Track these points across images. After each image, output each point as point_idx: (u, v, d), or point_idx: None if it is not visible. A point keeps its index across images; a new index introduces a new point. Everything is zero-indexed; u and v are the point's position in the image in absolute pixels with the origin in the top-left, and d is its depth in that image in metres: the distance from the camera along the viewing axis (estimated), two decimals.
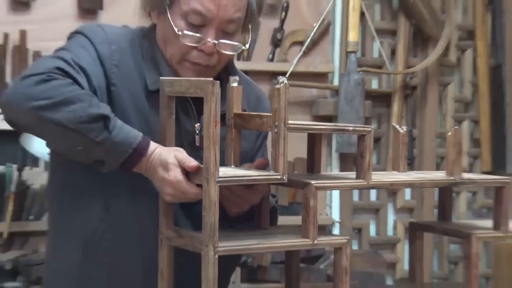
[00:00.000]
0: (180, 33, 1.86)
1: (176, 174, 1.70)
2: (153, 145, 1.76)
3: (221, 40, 1.88)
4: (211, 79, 1.64)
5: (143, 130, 1.80)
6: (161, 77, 1.82)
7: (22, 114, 1.76)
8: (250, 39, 2.00)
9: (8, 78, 2.96)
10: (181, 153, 1.73)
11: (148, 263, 1.89)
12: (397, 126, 1.97)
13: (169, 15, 1.88)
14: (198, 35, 1.86)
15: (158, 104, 1.86)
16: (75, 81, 1.77)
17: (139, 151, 1.74)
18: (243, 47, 1.94)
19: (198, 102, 1.83)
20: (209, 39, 1.86)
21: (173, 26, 1.87)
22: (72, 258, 1.93)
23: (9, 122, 1.82)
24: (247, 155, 1.94)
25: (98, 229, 1.90)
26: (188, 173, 1.72)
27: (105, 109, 1.75)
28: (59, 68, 1.77)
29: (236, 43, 1.91)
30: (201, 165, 1.69)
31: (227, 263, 1.75)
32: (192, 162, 1.70)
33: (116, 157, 1.75)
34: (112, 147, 1.73)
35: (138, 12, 2.19)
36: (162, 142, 1.79)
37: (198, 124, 1.92)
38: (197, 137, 1.92)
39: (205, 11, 1.85)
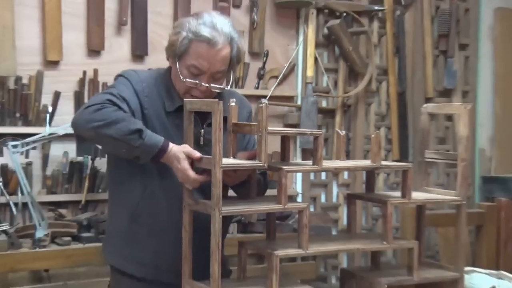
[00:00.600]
0: (184, 80, 1.86)
1: (184, 165, 1.70)
2: (171, 145, 1.75)
3: (211, 84, 1.87)
4: (217, 100, 1.64)
5: (165, 137, 1.78)
6: (184, 99, 1.80)
7: (86, 131, 1.75)
8: (232, 79, 1.98)
9: (85, 100, 2.93)
10: (187, 148, 1.72)
11: (174, 222, 1.86)
12: (339, 131, 1.95)
13: (177, 65, 1.87)
14: (196, 81, 1.86)
15: (173, 120, 1.87)
16: (119, 108, 1.77)
17: (162, 149, 1.73)
18: (226, 87, 1.93)
19: (201, 115, 1.83)
20: (203, 83, 1.86)
21: (180, 75, 1.86)
22: (123, 223, 1.91)
23: (77, 136, 1.83)
24: (240, 137, 1.93)
25: (139, 203, 1.89)
26: (193, 162, 1.71)
27: (139, 125, 1.75)
28: (108, 100, 1.77)
29: (221, 86, 1.90)
30: (203, 156, 1.68)
31: (226, 220, 1.74)
32: (196, 154, 1.70)
33: (148, 154, 1.74)
34: (146, 148, 1.73)
35: None
36: (185, 141, 1.76)
37: (202, 130, 1.91)
38: (201, 138, 1.91)
39: (201, 67, 1.85)
